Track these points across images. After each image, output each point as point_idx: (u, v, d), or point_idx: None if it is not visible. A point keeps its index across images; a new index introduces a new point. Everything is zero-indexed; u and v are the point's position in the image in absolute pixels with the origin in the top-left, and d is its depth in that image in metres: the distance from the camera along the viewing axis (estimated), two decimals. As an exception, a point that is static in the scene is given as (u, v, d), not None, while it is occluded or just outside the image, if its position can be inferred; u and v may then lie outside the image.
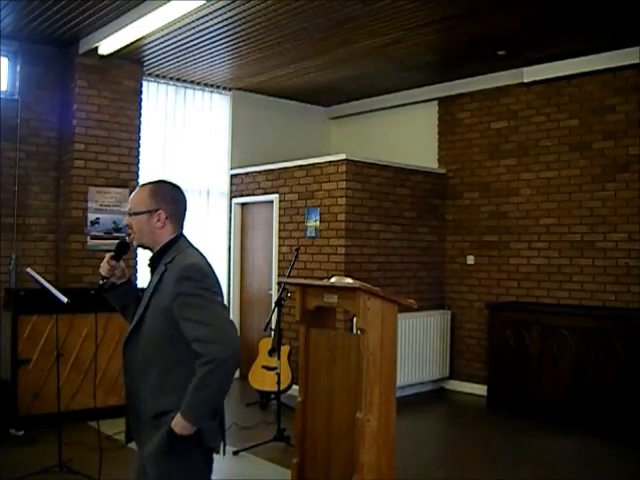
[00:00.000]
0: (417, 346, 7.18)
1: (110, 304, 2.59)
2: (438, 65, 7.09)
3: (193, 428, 2.18)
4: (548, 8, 5.29)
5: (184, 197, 2.50)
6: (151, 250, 2.46)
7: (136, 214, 2.41)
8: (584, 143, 6.63)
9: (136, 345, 2.36)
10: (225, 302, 2.39)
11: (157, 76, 7.44)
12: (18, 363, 5.45)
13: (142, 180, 7.06)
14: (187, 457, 2.27)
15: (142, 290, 2.52)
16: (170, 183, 2.51)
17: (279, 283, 6.47)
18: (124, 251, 2.54)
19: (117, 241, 2.58)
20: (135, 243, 2.49)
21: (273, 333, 6.19)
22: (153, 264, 2.42)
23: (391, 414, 3.83)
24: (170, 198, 2.43)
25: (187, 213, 2.50)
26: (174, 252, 2.37)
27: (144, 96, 7.06)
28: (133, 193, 2.48)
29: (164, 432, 2.22)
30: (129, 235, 2.48)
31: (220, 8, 5.34)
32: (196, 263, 2.31)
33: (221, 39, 6.17)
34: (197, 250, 2.42)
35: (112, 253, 2.51)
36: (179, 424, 2.18)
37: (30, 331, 5.53)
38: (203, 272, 2.29)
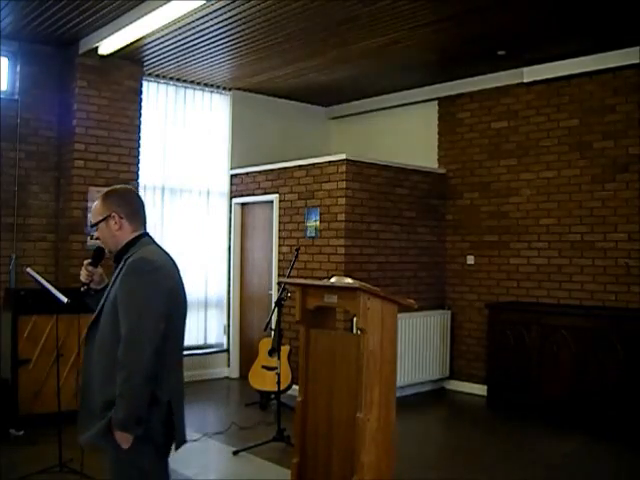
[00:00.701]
0: (417, 346, 7.18)
1: (92, 309, 2.65)
2: (438, 65, 7.09)
3: (129, 436, 2.27)
4: (548, 8, 5.29)
5: (137, 197, 2.64)
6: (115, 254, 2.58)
7: (96, 224, 2.55)
8: (584, 143, 6.63)
9: (93, 338, 2.46)
10: (169, 295, 2.41)
11: (157, 76, 7.44)
12: (18, 363, 5.45)
13: (142, 180, 7.08)
14: (124, 452, 2.32)
15: None
16: (121, 187, 2.67)
17: (279, 283, 6.47)
18: (100, 257, 2.65)
19: (94, 248, 2.70)
20: (107, 252, 2.62)
21: (273, 333, 6.18)
22: (117, 260, 2.53)
23: (391, 414, 3.83)
24: (121, 201, 2.55)
25: (146, 211, 2.62)
26: (135, 249, 2.47)
27: (144, 96, 7.06)
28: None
29: (101, 425, 2.30)
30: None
31: (220, 8, 5.34)
32: (145, 257, 2.39)
33: (221, 39, 6.17)
34: (159, 247, 2.54)
35: (89, 260, 2.64)
36: (119, 438, 2.27)
37: (30, 331, 5.52)
38: (151, 266, 2.37)
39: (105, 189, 2.67)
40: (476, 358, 7.36)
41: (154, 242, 2.57)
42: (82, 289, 2.61)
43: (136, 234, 2.53)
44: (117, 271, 2.45)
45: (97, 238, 2.60)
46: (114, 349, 2.30)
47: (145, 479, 2.40)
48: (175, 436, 2.44)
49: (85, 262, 2.63)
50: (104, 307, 2.45)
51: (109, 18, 5.71)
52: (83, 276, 2.60)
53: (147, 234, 2.58)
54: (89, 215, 6.42)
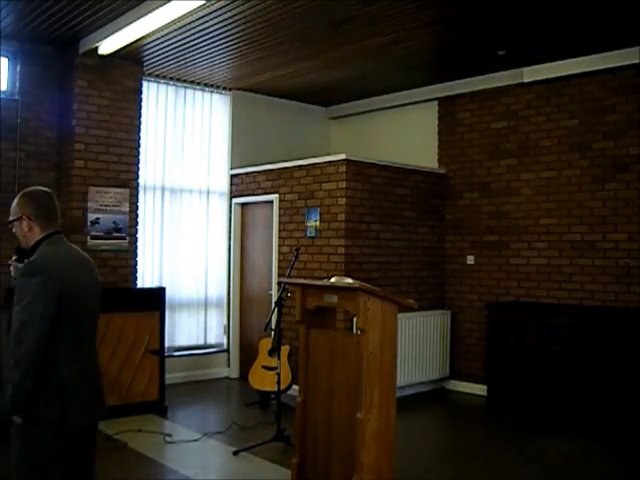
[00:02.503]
0: (417, 346, 7.18)
1: None
2: (438, 65, 7.09)
3: (18, 418, 2.52)
4: (548, 8, 5.29)
5: (50, 199, 2.73)
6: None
7: (10, 222, 2.71)
8: (584, 143, 6.63)
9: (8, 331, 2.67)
10: (53, 295, 2.53)
11: (157, 76, 7.44)
12: (18, 363, 5.45)
13: (142, 180, 7.08)
14: (17, 428, 2.55)
15: None
16: (35, 189, 2.75)
17: (279, 283, 6.47)
18: (24, 255, 2.75)
19: (16, 247, 2.84)
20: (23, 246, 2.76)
21: (273, 333, 6.18)
22: (21, 262, 2.71)
23: (391, 414, 3.84)
24: (33, 203, 2.68)
25: (59, 213, 2.75)
26: (39, 250, 2.63)
27: (144, 96, 7.06)
28: None
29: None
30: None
31: (220, 8, 5.34)
32: (32, 261, 2.57)
33: (221, 39, 6.17)
34: (62, 246, 2.70)
35: (15, 257, 2.79)
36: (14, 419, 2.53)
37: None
38: (35, 269, 2.52)
39: (21, 191, 2.78)
40: (476, 358, 7.36)
41: (59, 241, 2.70)
42: (12, 286, 2.86)
43: (41, 236, 2.67)
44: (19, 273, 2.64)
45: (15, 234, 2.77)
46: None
47: (33, 463, 2.57)
48: (75, 419, 2.60)
49: (13, 258, 2.80)
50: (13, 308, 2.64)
51: (109, 18, 5.71)
52: (12, 272, 2.79)
53: (54, 233, 2.69)
54: (89, 215, 6.44)
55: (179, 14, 5.31)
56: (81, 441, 2.67)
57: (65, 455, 2.60)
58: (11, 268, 2.82)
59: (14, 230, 2.74)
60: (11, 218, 2.71)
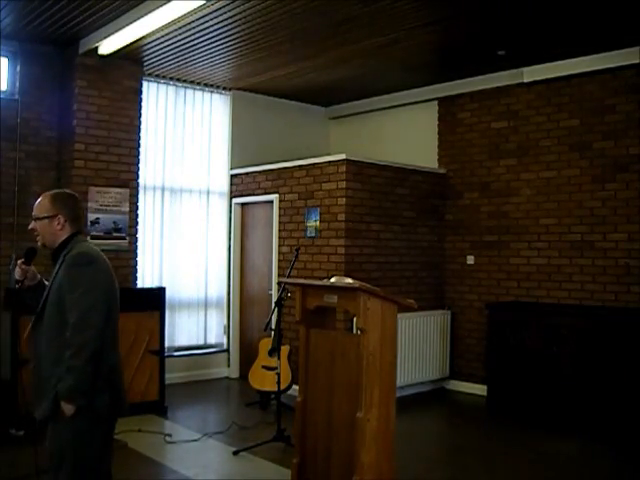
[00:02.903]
0: (417, 346, 7.18)
1: (27, 304, 2.93)
2: (438, 65, 7.09)
3: (72, 406, 2.57)
4: (548, 8, 5.29)
5: (79, 203, 2.96)
6: (51, 249, 2.85)
7: (39, 219, 2.83)
8: (584, 143, 6.63)
9: (40, 328, 2.74)
10: (108, 284, 2.77)
11: (157, 76, 7.44)
12: (18, 363, 5.45)
13: (142, 180, 7.08)
14: (69, 421, 2.61)
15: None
16: (68, 192, 2.99)
17: (279, 283, 6.47)
18: (33, 256, 2.89)
19: (26, 247, 2.91)
20: (39, 243, 2.87)
21: (273, 333, 6.18)
22: (54, 259, 2.83)
23: (391, 414, 3.84)
24: (67, 204, 2.86)
25: (82, 214, 2.98)
26: (70, 246, 2.79)
27: (144, 96, 7.06)
28: (37, 201, 2.88)
29: (50, 398, 2.60)
30: (36, 237, 2.87)
31: (220, 8, 5.34)
32: (83, 252, 2.74)
33: (221, 39, 6.17)
34: (86, 243, 2.87)
35: (22, 259, 2.87)
36: (64, 408, 2.57)
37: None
38: (89, 259, 2.72)
39: (54, 190, 3.03)
40: (476, 358, 7.36)
41: (85, 240, 2.91)
42: (17, 286, 2.86)
43: (70, 233, 2.83)
44: (58, 265, 2.75)
45: (33, 229, 2.85)
46: (61, 334, 2.62)
47: (83, 448, 2.66)
48: (118, 406, 2.77)
49: (19, 261, 2.87)
50: (48, 298, 2.73)
51: (109, 18, 5.71)
52: (17, 274, 2.84)
53: (78, 233, 2.87)
54: (89, 215, 6.43)
55: (179, 14, 5.31)
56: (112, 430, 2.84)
57: (107, 443, 2.77)
58: (16, 269, 2.85)
59: (37, 227, 2.82)
60: (44, 214, 2.80)
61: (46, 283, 2.87)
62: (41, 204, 2.84)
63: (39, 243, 2.87)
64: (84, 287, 2.62)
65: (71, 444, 2.64)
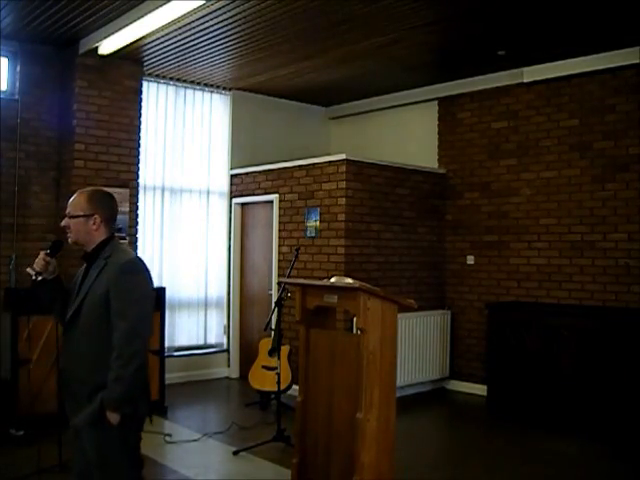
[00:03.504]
0: (417, 346, 7.18)
1: (39, 300, 2.84)
2: (438, 65, 7.09)
3: (118, 415, 2.54)
4: (548, 8, 5.29)
5: (116, 204, 2.87)
6: (84, 247, 2.78)
7: (74, 217, 2.74)
8: (584, 143, 6.63)
9: (75, 329, 2.67)
10: (154, 293, 2.81)
11: (157, 76, 7.44)
12: (18, 363, 5.45)
13: (142, 180, 7.08)
14: (114, 428, 2.57)
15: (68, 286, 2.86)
16: (106, 191, 2.88)
17: (279, 283, 6.47)
18: (59, 249, 2.81)
19: (53, 239, 2.87)
20: (70, 241, 2.80)
21: (273, 333, 6.18)
22: (90, 259, 2.76)
23: (391, 414, 3.83)
24: (105, 204, 2.79)
25: (116, 216, 2.87)
26: (110, 249, 2.74)
27: (144, 96, 7.06)
28: (72, 198, 2.80)
29: (95, 407, 2.55)
30: (67, 234, 2.79)
31: (220, 8, 5.34)
32: (134, 260, 2.73)
33: (221, 39, 6.17)
34: (127, 249, 2.86)
35: (48, 250, 2.78)
36: (110, 417, 2.53)
37: (30, 331, 5.51)
38: (140, 268, 2.70)
39: (90, 187, 2.91)
40: (476, 358, 7.36)
41: (122, 244, 2.88)
42: (35, 278, 2.73)
43: (107, 235, 2.77)
44: (98, 268, 2.68)
45: (66, 226, 2.76)
46: (103, 340, 2.58)
47: (129, 451, 2.68)
48: (149, 411, 2.82)
49: (42, 252, 2.75)
50: (86, 300, 2.66)
51: (109, 18, 5.71)
52: (39, 265, 2.72)
53: (114, 235, 2.82)
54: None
55: (179, 14, 5.31)
56: None
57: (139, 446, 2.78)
58: (38, 260, 2.73)
59: (67, 221, 2.74)
60: (80, 213, 2.72)
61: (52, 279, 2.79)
62: (77, 201, 2.76)
63: (70, 241, 2.79)
64: (135, 296, 2.60)
65: (118, 450, 2.62)
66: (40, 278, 2.74)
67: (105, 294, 2.60)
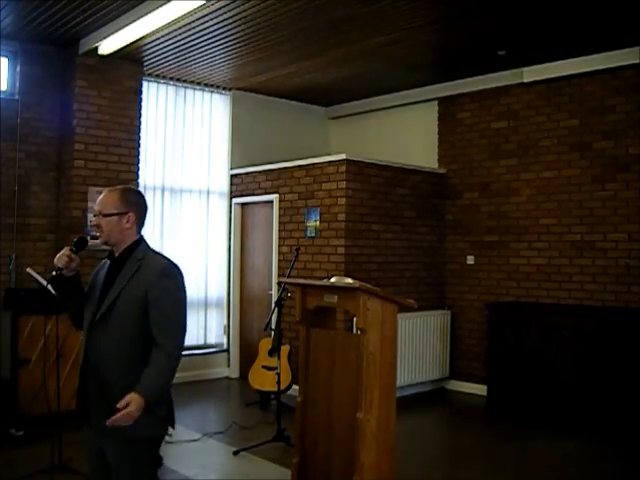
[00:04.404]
0: (417, 346, 7.18)
1: (54, 297, 2.78)
2: (438, 65, 7.09)
3: (141, 409, 2.41)
4: (548, 8, 5.29)
5: (147, 204, 2.79)
6: (113, 247, 2.69)
7: (107, 215, 2.63)
8: (584, 143, 6.63)
9: (104, 331, 2.56)
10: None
11: (157, 76, 7.44)
12: (18, 363, 5.45)
13: (142, 180, 7.08)
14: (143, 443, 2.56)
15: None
16: (137, 190, 2.82)
17: (279, 283, 6.47)
18: (83, 246, 2.71)
19: (78, 236, 2.76)
20: (100, 241, 2.69)
21: (273, 333, 6.18)
22: (121, 259, 2.65)
23: (391, 414, 3.83)
24: (138, 203, 2.71)
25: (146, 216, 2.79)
26: (142, 251, 2.66)
27: (144, 96, 7.06)
28: (102, 196, 2.69)
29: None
30: (97, 233, 2.68)
31: (220, 8, 5.34)
32: (173, 263, 2.65)
33: (221, 39, 6.17)
34: (157, 252, 2.76)
35: (72, 247, 2.68)
36: (134, 400, 2.39)
37: (30, 331, 5.52)
38: (180, 271, 2.64)
39: (120, 185, 2.82)
40: (476, 358, 7.36)
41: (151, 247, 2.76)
42: (54, 273, 2.63)
43: (138, 236, 2.70)
44: (133, 270, 2.59)
45: (96, 225, 2.65)
46: (135, 342, 2.52)
47: (156, 453, 2.69)
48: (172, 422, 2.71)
49: (66, 248, 2.65)
50: (119, 301, 2.55)
51: (109, 18, 5.71)
52: (62, 261, 2.62)
53: (143, 236, 2.74)
54: (89, 215, 6.42)
55: (179, 14, 5.31)
56: None
57: None
58: (60, 256, 2.63)
59: (97, 219, 2.64)
60: (114, 211, 2.62)
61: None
62: (110, 199, 2.64)
63: (100, 241, 2.67)
64: (177, 299, 2.58)
65: (146, 462, 2.61)
66: (59, 274, 2.64)
67: (143, 297, 2.52)
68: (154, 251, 2.72)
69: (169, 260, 2.66)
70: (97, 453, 2.61)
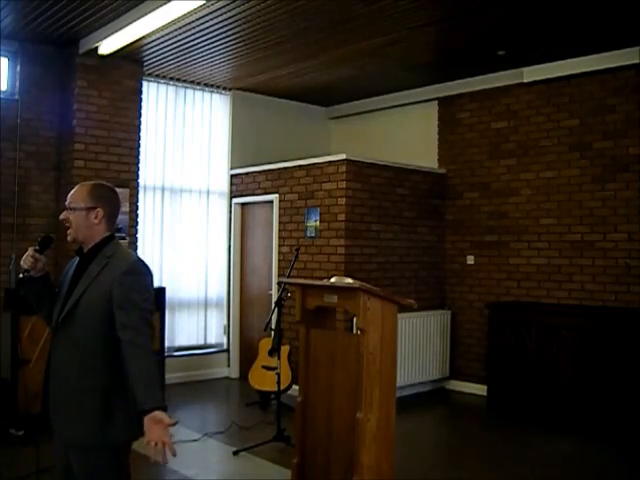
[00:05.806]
0: (417, 346, 7.18)
1: (24, 298, 2.70)
2: (438, 65, 7.09)
3: (165, 426, 2.30)
4: (548, 8, 5.29)
5: (119, 200, 2.70)
6: (82, 244, 2.60)
7: (74, 209, 2.55)
8: (584, 143, 6.63)
9: (68, 329, 2.48)
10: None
11: (157, 76, 7.44)
12: (18, 363, 5.45)
13: (142, 180, 7.08)
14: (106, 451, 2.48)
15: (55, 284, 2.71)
16: (111, 186, 2.69)
17: (279, 283, 6.47)
18: (48, 245, 2.64)
19: (42, 235, 2.68)
20: (69, 237, 2.61)
21: (273, 333, 6.19)
22: (89, 256, 2.57)
23: (391, 414, 3.84)
24: (109, 199, 2.62)
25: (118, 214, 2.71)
26: (112, 248, 2.57)
27: (144, 96, 7.06)
28: (73, 190, 2.61)
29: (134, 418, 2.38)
30: (67, 230, 2.60)
31: (220, 8, 5.34)
32: (138, 259, 2.58)
33: (221, 39, 6.17)
34: (127, 249, 2.74)
35: (36, 247, 2.59)
36: (161, 417, 2.27)
37: (30, 331, 5.53)
38: (147, 268, 2.56)
39: (94, 181, 2.73)
40: (476, 358, 7.36)
41: (122, 245, 2.72)
42: (21, 275, 2.57)
43: (108, 233, 2.61)
44: (99, 267, 2.51)
45: (64, 220, 2.59)
46: (97, 342, 2.43)
47: (120, 469, 2.58)
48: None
49: (31, 249, 2.58)
50: (83, 299, 2.48)
51: (109, 18, 5.71)
52: (27, 263, 2.55)
53: (115, 234, 2.66)
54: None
55: (179, 14, 5.31)
56: None
57: None
58: (25, 257, 2.55)
59: (70, 217, 2.56)
60: (82, 205, 2.54)
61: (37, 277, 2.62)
62: (79, 193, 2.56)
63: (69, 237, 2.59)
64: (143, 295, 2.45)
65: (111, 470, 2.53)
66: (28, 276, 2.57)
67: (107, 295, 2.43)
68: (126, 249, 2.67)
69: (137, 258, 2.59)
70: (63, 460, 2.59)
